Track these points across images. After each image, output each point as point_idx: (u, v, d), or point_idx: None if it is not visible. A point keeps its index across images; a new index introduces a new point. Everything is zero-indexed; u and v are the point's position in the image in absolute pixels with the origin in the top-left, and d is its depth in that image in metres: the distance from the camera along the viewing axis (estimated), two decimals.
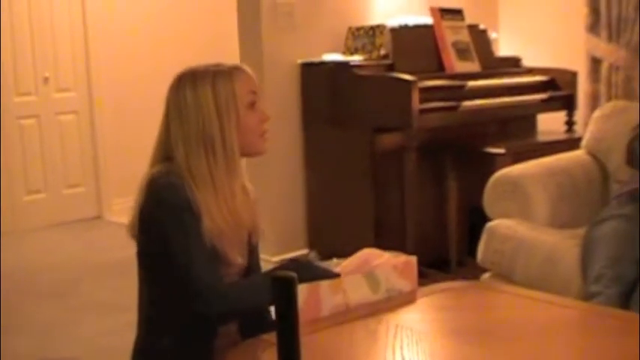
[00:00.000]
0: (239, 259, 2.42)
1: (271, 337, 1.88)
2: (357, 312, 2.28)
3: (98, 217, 7.75)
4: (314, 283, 2.24)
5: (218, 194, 2.34)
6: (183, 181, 2.28)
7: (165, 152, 2.38)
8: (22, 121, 7.35)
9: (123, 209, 7.36)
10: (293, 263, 2.42)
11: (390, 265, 2.41)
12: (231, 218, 2.36)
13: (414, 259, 2.48)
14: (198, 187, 2.30)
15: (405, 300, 2.39)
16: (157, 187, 2.28)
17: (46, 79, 7.42)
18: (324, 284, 2.25)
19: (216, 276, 2.25)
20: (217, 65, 2.41)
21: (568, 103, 5.72)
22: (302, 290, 2.16)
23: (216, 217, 2.31)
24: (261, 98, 2.46)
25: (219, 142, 2.33)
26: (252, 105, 2.38)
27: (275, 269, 2.29)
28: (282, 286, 1.67)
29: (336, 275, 2.30)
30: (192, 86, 2.35)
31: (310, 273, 2.27)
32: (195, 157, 2.33)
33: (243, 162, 2.48)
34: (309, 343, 1.79)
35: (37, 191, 7.48)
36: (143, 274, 2.38)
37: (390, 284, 2.38)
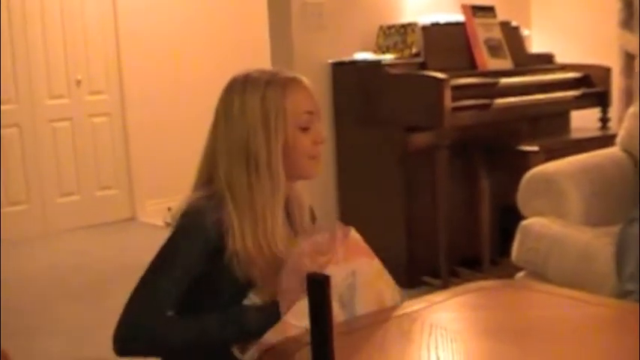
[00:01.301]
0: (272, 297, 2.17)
1: (305, 336, 1.86)
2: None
3: (131, 219, 7.80)
4: (262, 342, 2.07)
5: (257, 216, 2.15)
6: (220, 207, 2.14)
7: (209, 168, 2.23)
8: (55, 124, 7.41)
9: (156, 210, 7.44)
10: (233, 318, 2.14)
11: (329, 265, 2.12)
12: (267, 246, 2.16)
13: (349, 230, 2.23)
14: (236, 207, 2.14)
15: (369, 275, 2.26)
16: (184, 220, 2.15)
17: (78, 82, 7.48)
18: (270, 335, 2.07)
19: (151, 319, 2.09)
20: (274, 74, 2.22)
21: (602, 100, 5.65)
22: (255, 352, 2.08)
23: (247, 242, 2.13)
24: (319, 116, 2.27)
25: (263, 158, 2.15)
26: (305, 127, 2.21)
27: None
28: (315, 287, 1.66)
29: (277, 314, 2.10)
30: (242, 92, 2.18)
31: (250, 326, 2.11)
32: (237, 172, 2.16)
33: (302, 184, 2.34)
34: (342, 342, 1.78)
35: (71, 193, 7.54)
36: None
37: (336, 280, 2.10)
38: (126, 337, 2.11)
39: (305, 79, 2.26)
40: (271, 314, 2.10)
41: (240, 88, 2.20)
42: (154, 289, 2.12)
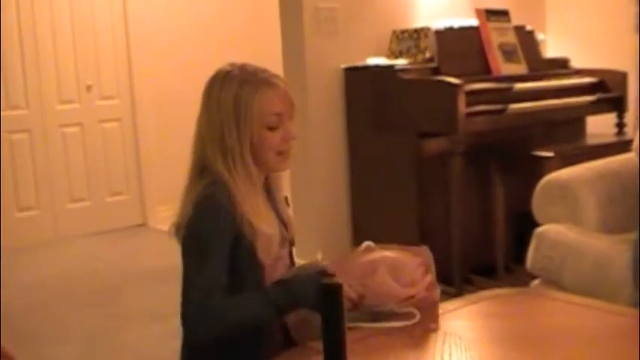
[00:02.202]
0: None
1: (317, 345, 1.86)
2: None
3: (142, 225, 7.79)
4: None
5: (242, 201, 2.28)
6: (226, 189, 2.26)
7: (201, 154, 2.36)
8: (65, 129, 7.40)
9: (167, 216, 7.29)
10: (288, 287, 2.25)
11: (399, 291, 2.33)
12: (257, 227, 2.29)
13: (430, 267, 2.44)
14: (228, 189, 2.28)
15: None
16: (204, 210, 2.25)
17: (89, 87, 7.46)
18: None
19: (211, 299, 2.16)
20: (251, 74, 2.35)
21: (618, 105, 5.62)
22: None
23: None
24: (291, 115, 2.39)
25: (237, 152, 2.30)
26: (272, 127, 2.33)
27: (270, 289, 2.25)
28: (327, 294, 1.70)
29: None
30: (220, 87, 2.33)
31: (306, 293, 2.20)
32: (218, 160, 2.31)
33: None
34: (355, 350, 1.79)
35: (81, 199, 7.52)
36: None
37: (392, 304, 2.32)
38: (198, 321, 2.17)
39: (281, 82, 2.38)
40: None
41: (219, 82, 2.35)
42: (207, 272, 2.18)
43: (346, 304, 2.14)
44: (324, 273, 2.24)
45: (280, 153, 2.36)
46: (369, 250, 2.45)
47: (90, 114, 7.52)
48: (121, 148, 7.71)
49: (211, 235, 2.22)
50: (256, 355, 2.31)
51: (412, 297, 2.32)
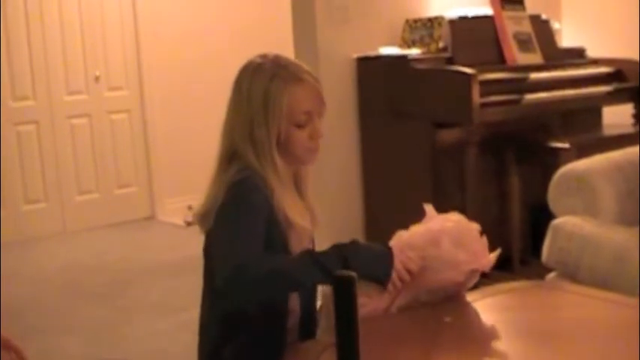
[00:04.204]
0: None
1: (330, 338, 1.85)
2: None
3: (151, 218, 7.78)
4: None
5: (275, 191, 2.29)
6: (258, 176, 2.27)
7: (230, 141, 2.35)
8: (73, 121, 7.42)
9: (176, 209, 7.40)
10: (340, 251, 2.26)
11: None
12: (291, 217, 2.31)
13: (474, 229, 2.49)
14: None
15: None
16: (240, 189, 2.24)
17: (97, 78, 7.47)
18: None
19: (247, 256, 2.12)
20: (283, 67, 2.33)
21: (635, 95, 5.56)
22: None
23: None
24: (320, 113, 2.39)
25: (266, 146, 2.30)
26: (301, 125, 2.33)
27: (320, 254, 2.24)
28: (341, 286, 1.65)
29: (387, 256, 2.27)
30: (250, 80, 2.32)
31: (359, 260, 2.21)
32: (248, 151, 2.30)
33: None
34: (367, 343, 1.74)
35: (89, 191, 7.55)
36: (209, 268, 2.33)
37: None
38: (240, 281, 2.10)
39: (311, 78, 2.36)
40: (378, 258, 2.27)
41: (250, 74, 2.34)
42: (243, 238, 2.16)
43: (404, 277, 2.26)
44: (384, 245, 2.31)
45: (308, 149, 2.38)
46: (427, 219, 2.49)
47: (98, 105, 7.54)
48: (129, 140, 7.72)
49: (247, 211, 2.20)
50: (277, 337, 2.34)
51: (475, 270, 2.40)
